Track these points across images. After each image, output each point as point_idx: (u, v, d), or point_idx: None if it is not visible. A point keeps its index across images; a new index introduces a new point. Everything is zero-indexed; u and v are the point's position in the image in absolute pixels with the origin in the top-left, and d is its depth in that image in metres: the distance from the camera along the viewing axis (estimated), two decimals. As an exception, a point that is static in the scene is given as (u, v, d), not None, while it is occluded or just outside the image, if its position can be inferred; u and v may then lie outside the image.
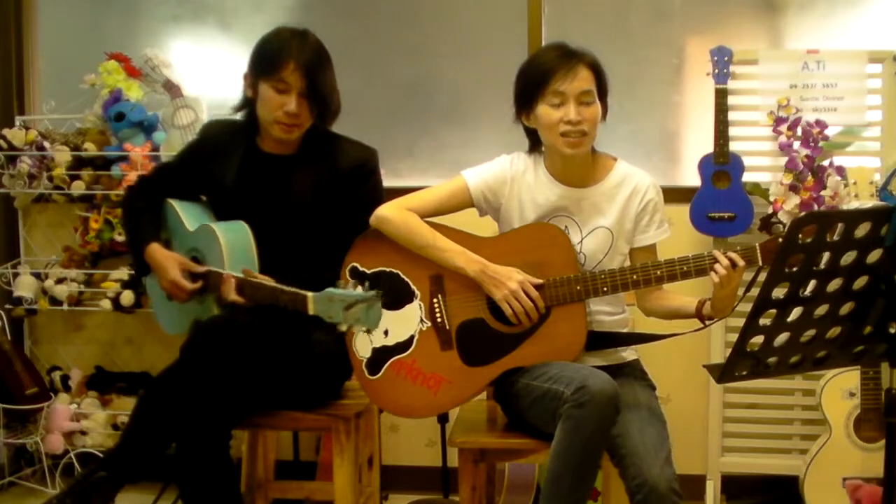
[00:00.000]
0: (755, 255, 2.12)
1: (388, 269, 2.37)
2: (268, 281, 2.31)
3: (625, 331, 2.39)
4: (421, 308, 2.35)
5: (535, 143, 2.37)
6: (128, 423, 2.37)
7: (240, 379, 2.28)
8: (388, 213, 2.35)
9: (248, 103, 2.51)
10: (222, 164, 2.53)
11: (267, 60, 2.41)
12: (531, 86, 2.26)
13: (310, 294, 2.17)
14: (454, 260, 2.29)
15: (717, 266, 2.12)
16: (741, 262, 2.11)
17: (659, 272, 2.19)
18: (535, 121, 2.29)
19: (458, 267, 2.29)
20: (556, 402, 2.08)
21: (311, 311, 2.17)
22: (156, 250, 2.49)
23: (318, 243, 2.46)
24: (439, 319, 2.33)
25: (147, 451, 2.30)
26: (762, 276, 2.02)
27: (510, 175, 2.35)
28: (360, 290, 2.11)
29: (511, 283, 2.23)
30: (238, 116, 2.57)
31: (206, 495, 2.28)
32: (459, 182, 2.37)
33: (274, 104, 2.40)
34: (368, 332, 2.21)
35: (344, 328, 2.12)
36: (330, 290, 2.14)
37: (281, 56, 2.38)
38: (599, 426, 2.04)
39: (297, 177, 2.49)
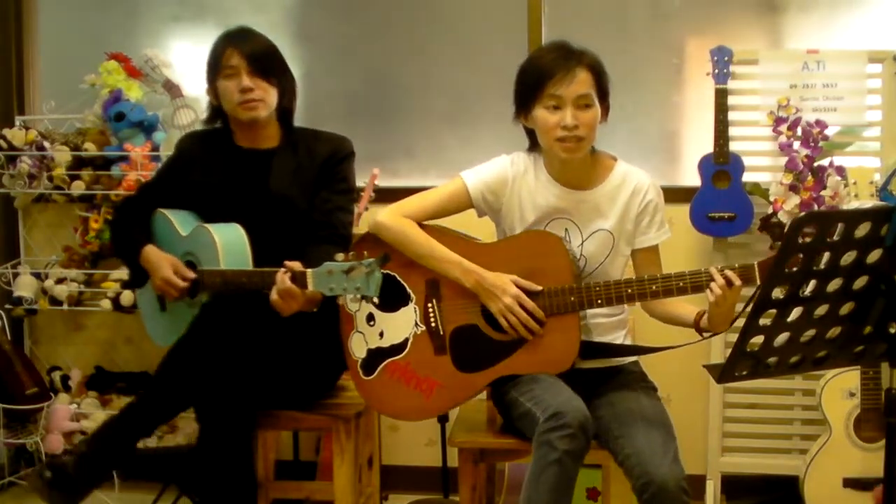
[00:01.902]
0: (753, 273, 2.08)
1: (384, 272, 2.37)
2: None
3: (622, 333, 2.38)
4: (416, 311, 2.35)
5: (534, 143, 2.36)
6: (147, 388, 2.42)
7: (250, 348, 2.32)
8: (385, 220, 2.35)
9: (216, 111, 2.61)
10: (204, 169, 2.58)
11: (212, 61, 2.55)
12: (529, 88, 2.25)
13: (309, 270, 2.21)
14: (451, 271, 2.29)
15: (712, 285, 2.08)
16: (737, 282, 2.07)
17: (654, 287, 2.16)
18: (532, 123, 2.28)
19: (455, 278, 2.29)
20: (533, 425, 2.07)
21: (310, 287, 2.21)
22: (152, 251, 2.51)
23: (301, 230, 2.49)
24: (433, 324, 2.33)
25: (165, 410, 2.35)
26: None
27: (511, 176, 2.33)
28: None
29: (506, 297, 2.22)
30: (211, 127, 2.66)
31: (225, 478, 2.31)
32: (458, 184, 2.35)
33: (229, 90, 2.50)
34: (368, 300, 2.20)
35: (349, 297, 2.16)
36: (327, 263, 2.17)
37: (220, 49, 2.53)
38: (569, 454, 2.02)
39: (276, 167, 2.54)
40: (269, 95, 2.51)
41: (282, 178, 2.53)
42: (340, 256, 2.18)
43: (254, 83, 2.48)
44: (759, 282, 2.07)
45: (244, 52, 2.49)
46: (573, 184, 2.32)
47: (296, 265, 2.25)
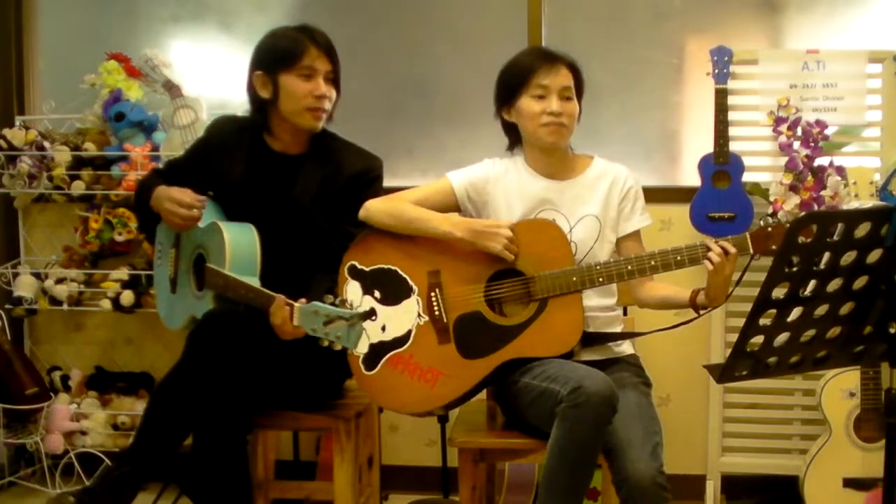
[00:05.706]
0: (746, 243, 2.18)
1: (386, 266, 2.39)
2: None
3: (620, 329, 2.42)
4: (419, 303, 2.36)
5: (513, 141, 2.45)
6: (143, 418, 2.36)
7: (248, 364, 2.29)
8: (371, 203, 2.41)
9: (262, 105, 2.50)
10: (230, 159, 2.54)
11: (286, 53, 2.43)
12: (514, 80, 2.35)
13: (297, 305, 2.20)
14: (441, 227, 2.33)
15: (710, 254, 2.17)
16: (733, 250, 2.17)
17: (653, 262, 2.23)
18: (515, 114, 2.37)
19: (447, 232, 2.32)
20: (552, 401, 2.09)
21: (295, 322, 2.20)
22: (162, 187, 2.49)
23: (317, 243, 2.47)
24: (437, 313, 2.34)
25: (166, 444, 2.31)
26: (754, 266, 2.18)
27: (493, 175, 2.41)
28: (347, 308, 2.16)
29: (504, 230, 2.28)
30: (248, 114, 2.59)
31: (220, 484, 2.30)
32: (444, 182, 2.43)
33: (302, 92, 2.43)
34: (345, 350, 2.22)
35: (325, 343, 2.15)
36: (316, 303, 2.17)
37: (301, 45, 2.42)
38: (595, 426, 2.05)
39: (303, 175, 2.50)
40: (331, 105, 2.49)
41: (307, 188, 2.48)
42: (329, 299, 2.19)
43: (329, 92, 2.45)
44: (751, 251, 2.18)
45: (330, 58, 2.43)
46: (555, 175, 2.41)
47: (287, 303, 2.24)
